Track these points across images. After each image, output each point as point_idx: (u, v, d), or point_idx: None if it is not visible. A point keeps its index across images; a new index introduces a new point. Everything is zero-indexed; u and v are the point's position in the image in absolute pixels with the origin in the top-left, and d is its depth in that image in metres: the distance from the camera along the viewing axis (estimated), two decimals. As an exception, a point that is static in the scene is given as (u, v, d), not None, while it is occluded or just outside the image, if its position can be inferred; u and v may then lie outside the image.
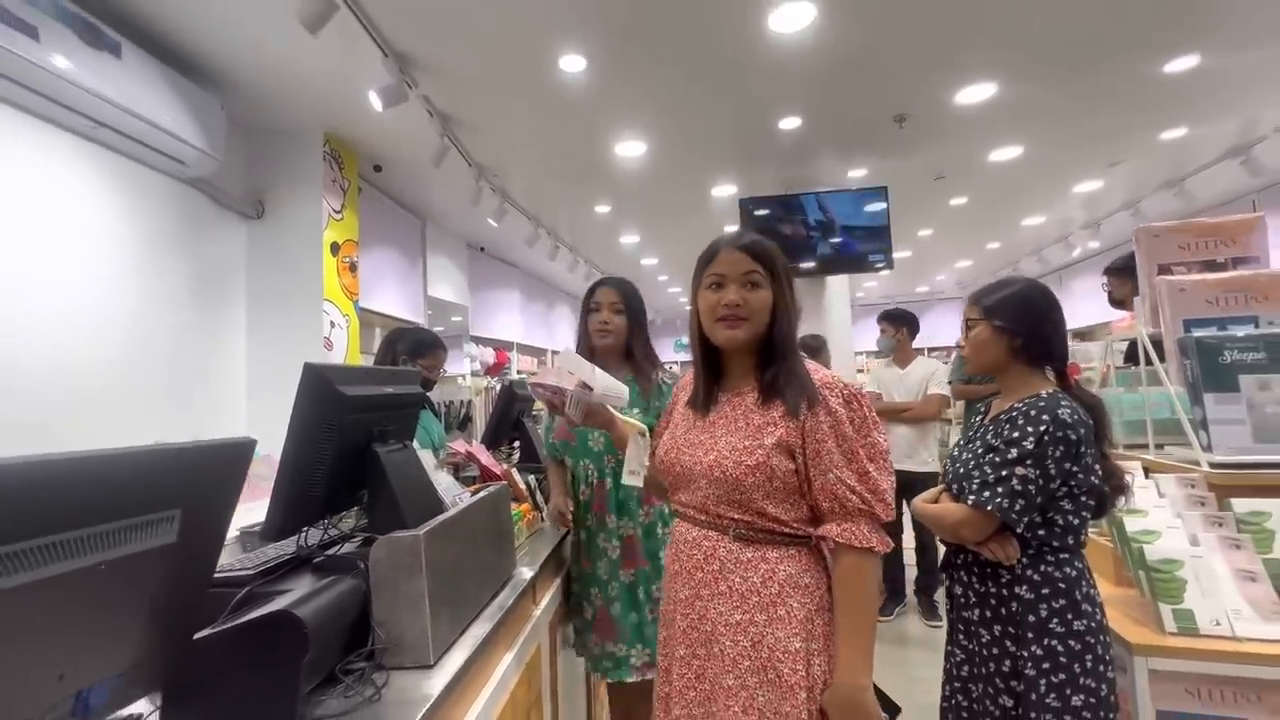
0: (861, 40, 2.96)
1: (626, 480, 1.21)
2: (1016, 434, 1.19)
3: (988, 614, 1.24)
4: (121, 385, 2.67)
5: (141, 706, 0.80)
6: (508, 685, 1.17)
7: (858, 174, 4.71)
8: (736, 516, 1.04)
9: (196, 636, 0.75)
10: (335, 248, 3.65)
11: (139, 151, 2.65)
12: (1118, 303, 2.66)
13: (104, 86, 2.26)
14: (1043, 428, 1.17)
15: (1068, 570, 1.18)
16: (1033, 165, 4.72)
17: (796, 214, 4.55)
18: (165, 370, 2.92)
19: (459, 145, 3.78)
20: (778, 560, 1.02)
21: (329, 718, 0.81)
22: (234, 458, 0.72)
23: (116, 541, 0.56)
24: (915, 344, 3.56)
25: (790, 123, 3.81)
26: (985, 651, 1.23)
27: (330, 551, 1.06)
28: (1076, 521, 1.20)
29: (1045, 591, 1.17)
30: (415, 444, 1.27)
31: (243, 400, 3.45)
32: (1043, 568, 1.19)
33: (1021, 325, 1.28)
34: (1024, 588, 1.19)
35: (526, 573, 1.42)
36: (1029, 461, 1.16)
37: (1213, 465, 1.46)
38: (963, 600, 1.30)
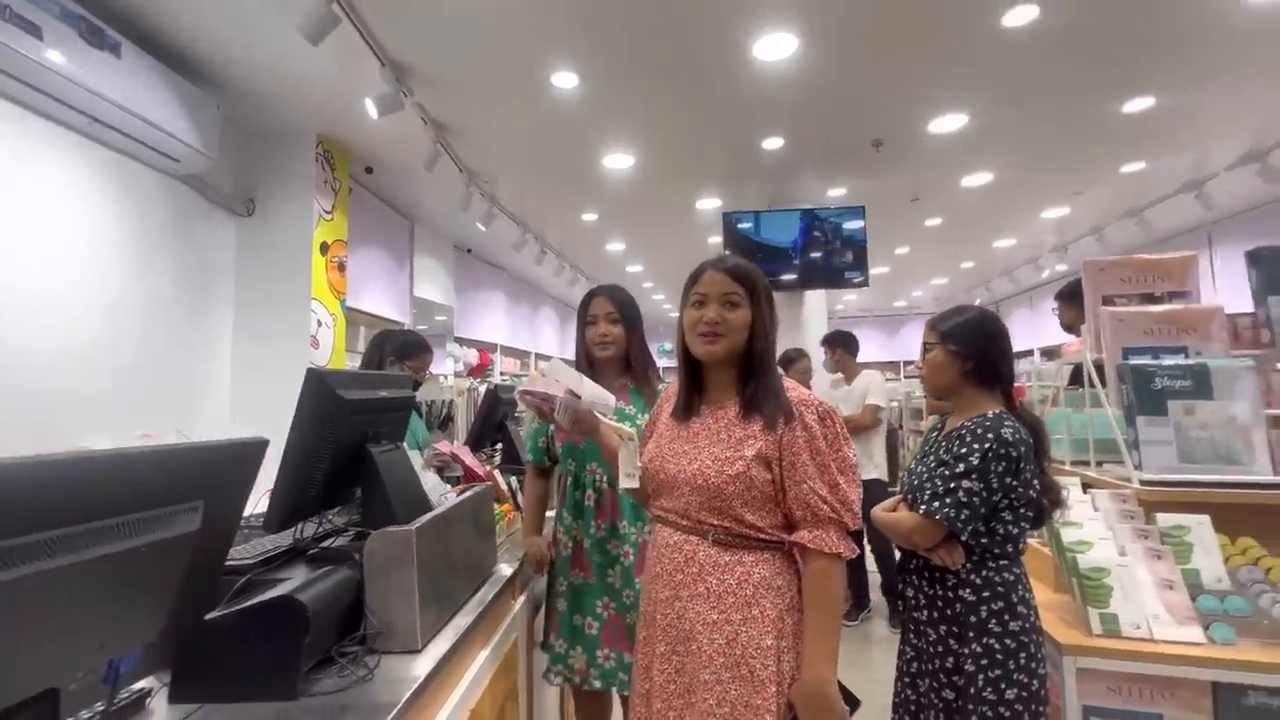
0: (840, 70, 3.11)
1: (623, 484, 1.21)
2: (964, 450, 1.30)
3: (935, 615, 1.34)
4: (105, 375, 2.68)
5: (149, 683, 0.87)
6: (489, 671, 1.25)
7: (837, 193, 4.87)
8: (716, 522, 1.11)
9: (208, 617, 0.82)
10: (325, 247, 3.68)
11: (133, 148, 2.68)
12: (1067, 326, 2.76)
13: (103, 85, 2.30)
14: (987, 445, 1.28)
15: (1006, 575, 1.29)
16: (1002, 191, 4.94)
17: (777, 228, 4.69)
18: (150, 361, 2.93)
19: (450, 151, 3.84)
20: (753, 564, 1.09)
21: (325, 694, 0.88)
22: (249, 455, 0.80)
23: (153, 528, 0.64)
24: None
25: (773, 142, 3.94)
26: (932, 649, 1.34)
27: (325, 544, 1.13)
28: (1016, 531, 1.31)
29: (986, 594, 1.28)
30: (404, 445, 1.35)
31: (226, 395, 3.46)
32: (984, 572, 1.29)
33: (973, 349, 1.39)
34: (967, 590, 1.29)
35: (506, 569, 1.50)
36: (974, 475, 1.27)
37: (1142, 482, 1.59)
38: (914, 602, 1.40)
